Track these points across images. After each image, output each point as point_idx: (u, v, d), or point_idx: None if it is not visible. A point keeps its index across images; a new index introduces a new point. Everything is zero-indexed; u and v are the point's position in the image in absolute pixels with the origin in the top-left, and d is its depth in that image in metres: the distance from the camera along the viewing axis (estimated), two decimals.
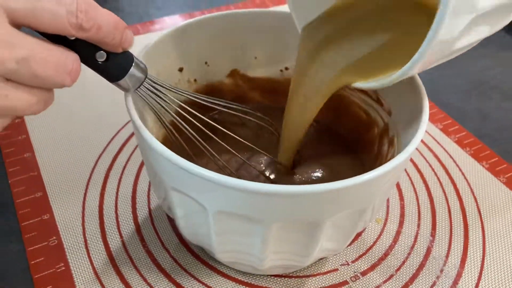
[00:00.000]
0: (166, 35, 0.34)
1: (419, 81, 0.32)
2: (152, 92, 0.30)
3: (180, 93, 0.32)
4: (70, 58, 0.24)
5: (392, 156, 0.33)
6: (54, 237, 0.37)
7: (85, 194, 0.40)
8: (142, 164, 0.43)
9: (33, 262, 0.35)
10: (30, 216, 0.38)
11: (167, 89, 0.31)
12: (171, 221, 0.38)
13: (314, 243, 0.29)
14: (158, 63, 0.34)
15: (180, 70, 0.37)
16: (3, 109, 0.23)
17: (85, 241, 0.37)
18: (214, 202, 0.26)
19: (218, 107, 0.34)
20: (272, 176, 0.36)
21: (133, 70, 0.28)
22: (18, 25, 0.22)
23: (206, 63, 0.39)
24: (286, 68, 0.41)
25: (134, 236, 0.37)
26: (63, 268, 0.35)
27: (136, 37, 0.61)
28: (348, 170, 0.37)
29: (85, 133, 0.46)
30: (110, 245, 0.36)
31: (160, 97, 0.30)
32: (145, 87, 0.29)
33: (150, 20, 0.63)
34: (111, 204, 0.39)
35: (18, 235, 0.37)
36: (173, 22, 0.64)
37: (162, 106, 0.30)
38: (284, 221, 0.26)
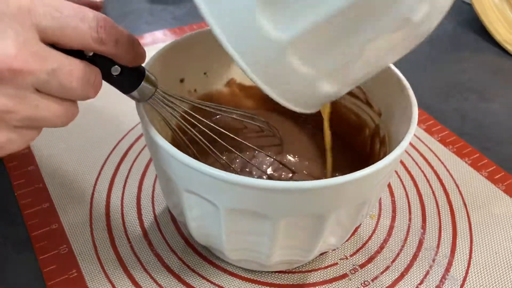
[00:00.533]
0: (167, 49, 0.36)
1: (406, 83, 0.35)
2: (161, 101, 0.32)
3: (186, 101, 0.35)
4: (93, 71, 0.26)
5: (385, 154, 0.36)
6: (65, 245, 0.38)
7: (91, 203, 0.41)
8: (145, 171, 0.45)
9: (45, 270, 0.36)
10: (39, 226, 0.39)
11: (175, 98, 0.33)
12: (176, 225, 0.40)
13: (318, 237, 0.31)
14: (160, 75, 0.36)
15: (181, 81, 0.39)
16: (34, 119, 0.24)
17: (95, 247, 0.38)
18: (225, 200, 0.28)
19: (220, 112, 0.37)
20: (275, 175, 0.39)
21: (144, 82, 0.30)
22: (47, 42, 0.24)
23: (205, 73, 0.41)
24: None
25: (141, 241, 0.39)
26: (76, 274, 0.36)
27: None
28: (346, 168, 0.40)
29: (86, 143, 0.47)
30: (120, 250, 0.38)
31: (169, 106, 0.32)
32: (155, 97, 0.31)
33: (141, 35, 0.65)
34: (117, 211, 0.41)
35: (29, 244, 0.38)
36: (163, 36, 0.66)
37: (171, 113, 0.33)
38: (292, 216, 0.29)
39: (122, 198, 0.42)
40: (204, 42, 0.39)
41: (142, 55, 0.29)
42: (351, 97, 0.40)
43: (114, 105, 0.50)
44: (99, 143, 0.47)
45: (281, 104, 0.29)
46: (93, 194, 0.42)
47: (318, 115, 0.38)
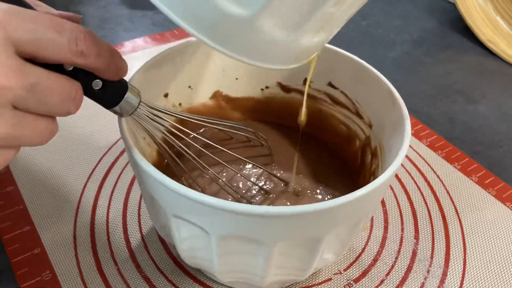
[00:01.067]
0: (149, 64, 0.35)
1: (397, 95, 0.34)
2: (145, 115, 0.31)
3: (171, 114, 0.34)
4: (74, 86, 0.24)
5: (377, 167, 0.35)
6: (48, 271, 0.36)
7: (74, 224, 0.40)
8: (130, 187, 0.43)
9: None
10: (20, 251, 0.37)
11: (159, 111, 0.32)
12: (165, 244, 0.39)
13: (314, 256, 0.30)
14: (144, 90, 0.35)
15: (166, 96, 0.38)
16: (12, 137, 0.23)
17: (80, 271, 0.36)
18: (218, 227, 0.27)
19: (207, 124, 0.36)
20: (267, 187, 0.38)
21: (127, 96, 0.29)
22: (24, 56, 0.23)
23: (189, 87, 0.40)
24: (267, 87, 0.42)
25: (129, 263, 0.37)
26: None
27: None
28: (337, 181, 0.39)
29: (69, 160, 0.45)
30: (106, 274, 0.36)
31: (154, 120, 0.31)
32: (139, 111, 0.30)
33: (121, 42, 0.63)
34: (103, 232, 0.39)
35: (10, 272, 0.36)
36: (144, 43, 0.64)
37: (156, 127, 0.32)
38: (288, 239, 0.28)
39: (107, 218, 0.41)
40: (188, 54, 0.38)
41: (124, 68, 0.27)
42: (341, 107, 0.39)
43: (97, 118, 0.49)
44: (82, 159, 0.46)
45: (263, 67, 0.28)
46: (76, 214, 0.41)
47: (306, 127, 0.38)
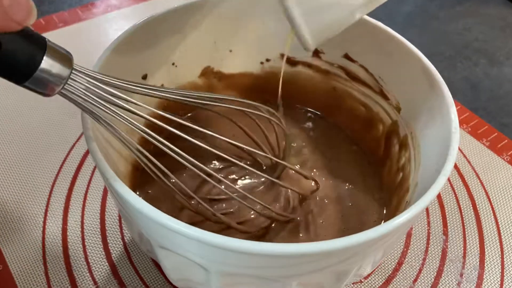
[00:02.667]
0: (122, 39, 0.27)
1: (435, 72, 0.27)
2: (87, 93, 0.21)
3: (137, 90, 0.23)
4: None
5: (408, 161, 0.29)
6: None
7: (43, 236, 0.33)
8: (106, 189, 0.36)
9: None
10: None
11: (114, 85, 0.22)
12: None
13: (341, 283, 0.24)
14: (117, 73, 0.27)
15: (144, 77, 0.30)
16: None
17: None
18: (219, 265, 0.21)
19: (200, 104, 0.26)
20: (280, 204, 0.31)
21: (46, 61, 0.19)
22: None
23: (173, 64, 0.32)
24: (267, 60, 0.34)
25: (110, 280, 0.31)
26: None
27: (78, 25, 0.52)
28: (357, 171, 0.33)
29: (32, 157, 0.38)
30: None
31: (105, 100, 0.21)
32: (74, 86, 0.21)
33: (90, 1, 0.54)
34: (77, 242, 0.33)
35: None
36: (117, 2, 0.55)
37: (113, 112, 0.22)
38: (309, 275, 0.21)
39: (82, 225, 0.34)
40: (169, 24, 0.30)
41: (23, 8, 0.18)
42: (360, 85, 0.32)
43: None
44: (46, 157, 0.38)
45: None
46: (44, 224, 0.34)
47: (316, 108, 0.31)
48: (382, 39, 0.30)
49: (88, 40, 0.49)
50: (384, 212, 0.31)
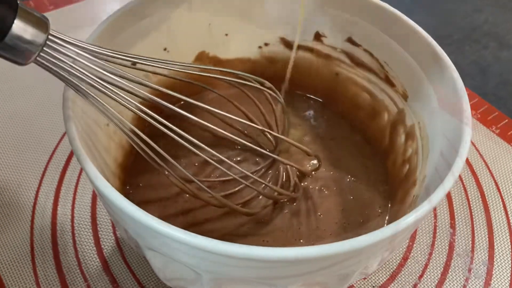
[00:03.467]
0: (109, 24, 0.26)
1: (445, 58, 0.25)
2: (81, 67, 0.19)
3: (132, 59, 0.22)
4: None
5: (414, 153, 0.27)
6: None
7: (32, 230, 0.32)
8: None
9: None
10: None
11: (96, 54, 0.20)
12: None
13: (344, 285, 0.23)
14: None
15: (134, 64, 0.28)
16: None
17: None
18: (212, 271, 0.19)
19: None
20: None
21: (19, 23, 0.18)
22: None
23: (165, 49, 0.30)
24: (266, 44, 0.32)
25: (102, 277, 0.30)
26: None
27: (69, 7, 0.50)
28: (358, 162, 0.31)
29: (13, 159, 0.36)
30: None
31: (100, 77, 0.20)
32: (58, 56, 0.19)
33: None
34: (67, 237, 0.31)
35: None
36: None
37: (102, 86, 0.20)
38: (310, 280, 0.20)
39: (72, 219, 0.33)
40: (159, 7, 0.28)
41: None
42: (365, 70, 0.30)
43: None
44: (35, 147, 0.37)
45: None
46: (33, 218, 0.32)
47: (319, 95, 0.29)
48: (388, 21, 0.28)
49: (82, 21, 0.47)
50: (389, 206, 0.29)
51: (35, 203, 0.33)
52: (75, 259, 0.31)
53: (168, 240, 0.18)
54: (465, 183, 0.36)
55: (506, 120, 0.41)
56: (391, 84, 0.29)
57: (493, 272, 0.31)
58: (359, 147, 0.32)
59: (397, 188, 0.28)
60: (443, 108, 0.24)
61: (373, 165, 0.31)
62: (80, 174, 0.35)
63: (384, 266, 0.31)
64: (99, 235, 0.32)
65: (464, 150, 0.20)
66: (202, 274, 0.20)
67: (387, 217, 0.29)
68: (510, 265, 0.32)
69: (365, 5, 0.29)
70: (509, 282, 0.31)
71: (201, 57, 0.32)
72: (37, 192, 0.34)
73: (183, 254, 0.19)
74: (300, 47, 0.32)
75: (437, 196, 0.19)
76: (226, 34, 0.32)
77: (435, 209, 0.34)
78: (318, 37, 0.31)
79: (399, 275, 0.31)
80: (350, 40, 0.30)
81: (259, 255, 0.17)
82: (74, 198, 0.34)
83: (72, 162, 0.36)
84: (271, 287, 0.20)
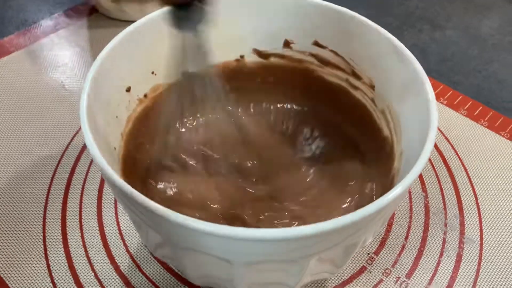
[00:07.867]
0: (110, 50, 0.28)
1: (399, 44, 0.29)
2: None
3: None
4: None
5: (390, 133, 0.31)
6: None
7: (47, 262, 0.33)
8: (99, 198, 0.37)
9: None
10: None
11: None
12: (163, 263, 0.34)
13: (351, 254, 0.26)
14: (104, 90, 0.28)
15: (128, 90, 0.31)
16: None
17: None
18: (243, 256, 0.22)
19: None
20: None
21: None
22: None
23: (152, 72, 0.33)
24: (242, 57, 0.36)
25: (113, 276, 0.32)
26: None
27: (34, 45, 0.51)
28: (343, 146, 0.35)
29: (18, 177, 0.38)
30: None
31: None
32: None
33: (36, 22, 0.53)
34: (84, 263, 0.33)
35: None
36: (55, 22, 0.54)
37: None
38: (325, 251, 0.23)
39: (84, 244, 0.34)
40: (151, 33, 0.31)
41: None
42: (334, 69, 0.34)
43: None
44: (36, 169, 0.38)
45: None
46: (45, 242, 0.34)
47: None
48: (344, 21, 0.32)
49: (51, 57, 0.48)
50: (374, 186, 0.33)
51: (44, 239, 0.34)
52: (96, 281, 0.32)
53: (206, 236, 0.20)
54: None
55: (451, 92, 0.47)
56: (358, 77, 0.33)
57: (465, 222, 0.37)
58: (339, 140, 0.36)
59: (380, 165, 0.32)
60: (408, 92, 0.28)
61: (351, 148, 0.35)
62: (86, 178, 0.37)
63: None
64: (113, 255, 0.34)
65: (434, 123, 0.25)
66: (234, 262, 0.23)
67: (374, 194, 0.33)
68: (477, 214, 0.37)
69: (323, 10, 0.32)
70: (479, 228, 0.36)
71: (185, 75, 0.35)
72: (44, 229, 0.35)
73: (217, 247, 0.21)
74: (272, 55, 0.35)
75: (421, 162, 0.23)
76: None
77: None
78: (287, 44, 0.34)
79: (388, 240, 0.36)
80: (316, 43, 0.34)
81: (285, 235, 0.20)
82: (81, 226, 0.35)
83: (77, 169, 0.37)
84: (293, 264, 0.23)
